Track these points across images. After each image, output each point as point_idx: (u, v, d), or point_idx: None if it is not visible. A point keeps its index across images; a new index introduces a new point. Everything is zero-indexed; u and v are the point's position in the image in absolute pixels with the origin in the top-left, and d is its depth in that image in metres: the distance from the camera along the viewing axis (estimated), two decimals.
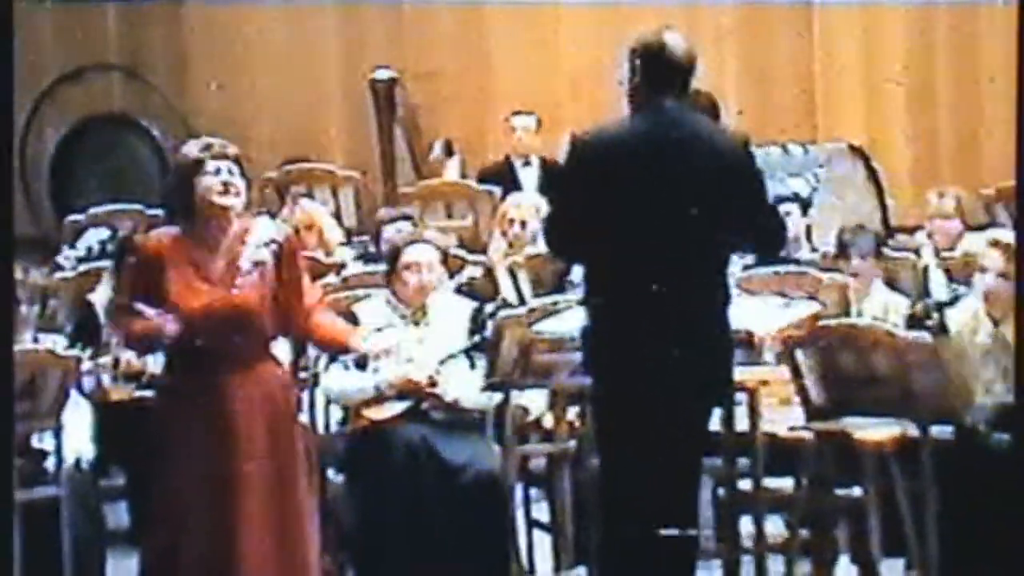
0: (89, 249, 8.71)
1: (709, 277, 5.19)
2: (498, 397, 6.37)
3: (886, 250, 7.71)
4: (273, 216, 8.26)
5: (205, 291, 5.19)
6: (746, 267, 7.48)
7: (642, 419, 5.14)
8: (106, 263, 7.56)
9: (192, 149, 5.28)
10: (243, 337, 5.19)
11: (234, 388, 5.19)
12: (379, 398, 6.38)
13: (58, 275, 7.25)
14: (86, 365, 6.39)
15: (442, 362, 6.38)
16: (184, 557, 5.18)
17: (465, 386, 6.38)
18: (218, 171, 5.21)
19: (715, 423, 5.59)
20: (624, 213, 5.12)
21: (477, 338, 6.39)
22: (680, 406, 5.15)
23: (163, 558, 5.24)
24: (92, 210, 9.43)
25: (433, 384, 6.38)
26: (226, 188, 5.21)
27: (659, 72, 5.15)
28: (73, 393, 6.26)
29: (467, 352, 6.39)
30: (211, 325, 5.17)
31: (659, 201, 5.11)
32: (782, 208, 8.27)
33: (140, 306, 5.20)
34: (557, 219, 5.33)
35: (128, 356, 6.42)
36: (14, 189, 4.85)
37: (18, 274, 6.49)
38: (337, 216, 9.43)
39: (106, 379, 6.67)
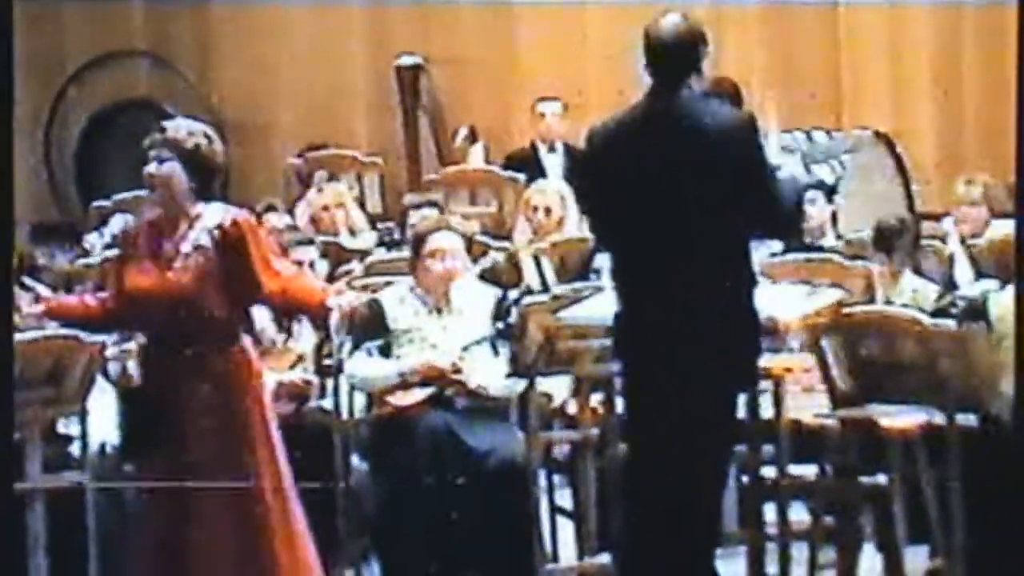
0: (114, 235, 8.73)
1: (724, 259, 5.17)
2: (522, 384, 6.37)
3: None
4: (282, 209, 8.30)
5: (152, 273, 5.27)
6: (772, 254, 7.47)
7: (666, 405, 5.15)
8: None
9: (148, 136, 5.37)
10: (181, 319, 5.24)
11: (180, 372, 5.24)
12: (403, 385, 6.38)
13: (82, 261, 7.27)
14: (111, 351, 6.39)
15: (465, 348, 6.38)
16: (143, 544, 5.25)
17: (489, 373, 6.38)
18: (146, 160, 5.29)
19: (740, 410, 5.58)
20: (633, 199, 5.14)
21: (501, 325, 6.39)
22: (703, 391, 5.15)
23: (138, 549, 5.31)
24: (117, 196, 9.45)
25: (457, 371, 6.38)
26: (149, 178, 5.30)
27: (656, 56, 5.16)
28: (99, 379, 6.27)
29: (491, 339, 6.39)
30: (150, 306, 5.26)
31: (665, 185, 5.12)
32: (806, 195, 8.30)
33: (38, 287, 5.42)
34: (581, 208, 5.37)
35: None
36: (13, 189, 4.86)
37: (42, 260, 6.51)
38: (361, 202, 9.44)
39: (131, 365, 6.67)
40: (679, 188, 5.12)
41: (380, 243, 8.47)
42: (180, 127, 5.34)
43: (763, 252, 7.48)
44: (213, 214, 5.32)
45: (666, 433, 5.19)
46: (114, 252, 5.45)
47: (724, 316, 5.16)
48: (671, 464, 5.19)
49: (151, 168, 5.27)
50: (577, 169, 5.67)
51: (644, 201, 5.14)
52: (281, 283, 5.35)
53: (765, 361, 5.69)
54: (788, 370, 5.95)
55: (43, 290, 5.40)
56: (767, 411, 5.83)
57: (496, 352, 6.41)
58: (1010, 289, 6.14)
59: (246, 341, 5.36)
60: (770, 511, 5.95)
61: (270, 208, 8.52)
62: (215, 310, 5.26)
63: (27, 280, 5.80)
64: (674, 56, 5.16)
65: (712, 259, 5.19)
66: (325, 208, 8.26)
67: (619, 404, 5.79)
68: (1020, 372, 4.68)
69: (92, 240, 8.61)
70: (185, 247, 5.25)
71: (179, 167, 5.26)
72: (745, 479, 5.97)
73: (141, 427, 5.36)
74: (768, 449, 5.87)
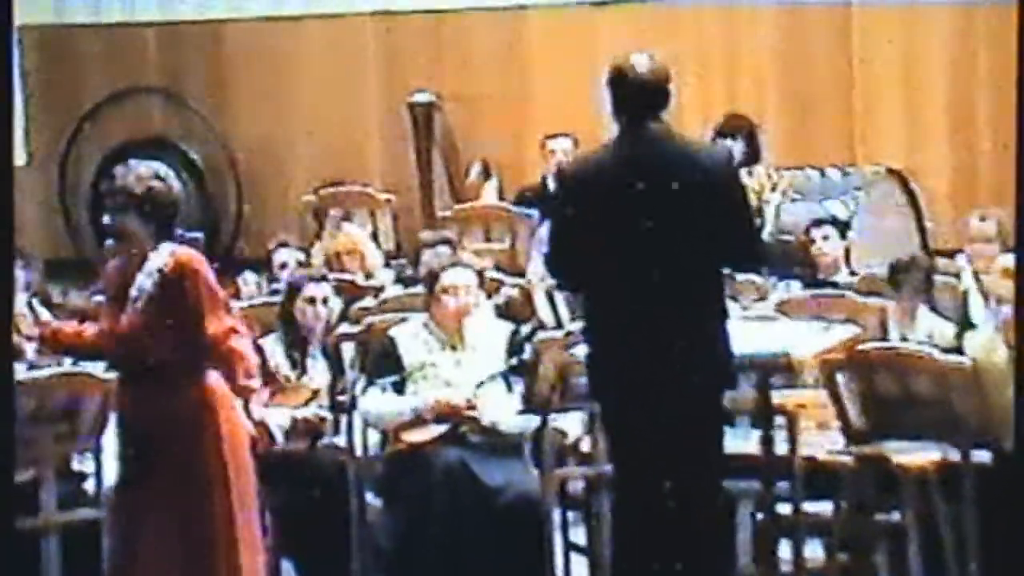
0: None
1: (702, 295, 5.19)
2: (536, 420, 6.37)
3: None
4: (294, 245, 8.30)
5: (114, 316, 5.36)
6: (784, 289, 7.47)
7: (647, 441, 5.15)
8: None
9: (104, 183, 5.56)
10: (134, 358, 5.33)
11: (143, 407, 5.35)
12: (417, 421, 6.39)
13: (97, 298, 7.27)
14: None
15: (479, 385, 6.38)
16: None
17: (502, 409, 6.39)
18: (104, 209, 5.40)
19: (753, 446, 5.58)
20: (605, 237, 5.16)
21: (514, 361, 6.40)
22: (683, 425, 5.16)
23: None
24: None
25: (471, 407, 6.38)
26: (108, 228, 5.41)
27: (625, 96, 5.22)
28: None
29: (504, 375, 6.39)
30: (109, 348, 5.37)
31: (644, 223, 5.13)
32: (820, 231, 8.31)
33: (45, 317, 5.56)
34: (551, 248, 5.38)
35: None
36: (13, 189, 4.89)
37: (56, 297, 6.53)
38: (375, 238, 9.45)
39: None
40: (658, 225, 5.14)
41: (396, 280, 8.48)
42: (129, 172, 5.37)
43: (780, 290, 7.49)
44: (158, 257, 5.36)
45: (650, 468, 5.19)
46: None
47: (700, 351, 5.17)
48: (660, 499, 5.18)
49: (106, 219, 5.39)
50: (550, 207, 5.66)
51: (619, 237, 5.15)
52: (223, 330, 5.35)
53: (779, 397, 5.70)
54: (802, 406, 5.94)
55: (44, 313, 5.44)
56: (781, 447, 5.82)
57: (510, 388, 6.42)
58: (984, 327, 6.16)
59: (210, 379, 5.35)
60: (785, 548, 5.94)
61: (282, 245, 8.54)
62: (164, 352, 5.32)
63: (34, 303, 5.81)
64: (649, 93, 5.21)
65: (693, 294, 5.20)
66: (338, 255, 8.28)
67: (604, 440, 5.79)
68: (1020, 376, 4.66)
69: None
70: (133, 291, 5.31)
71: (133, 215, 5.31)
72: (759, 516, 5.96)
73: (122, 460, 5.48)
74: (782, 486, 5.86)
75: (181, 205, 5.45)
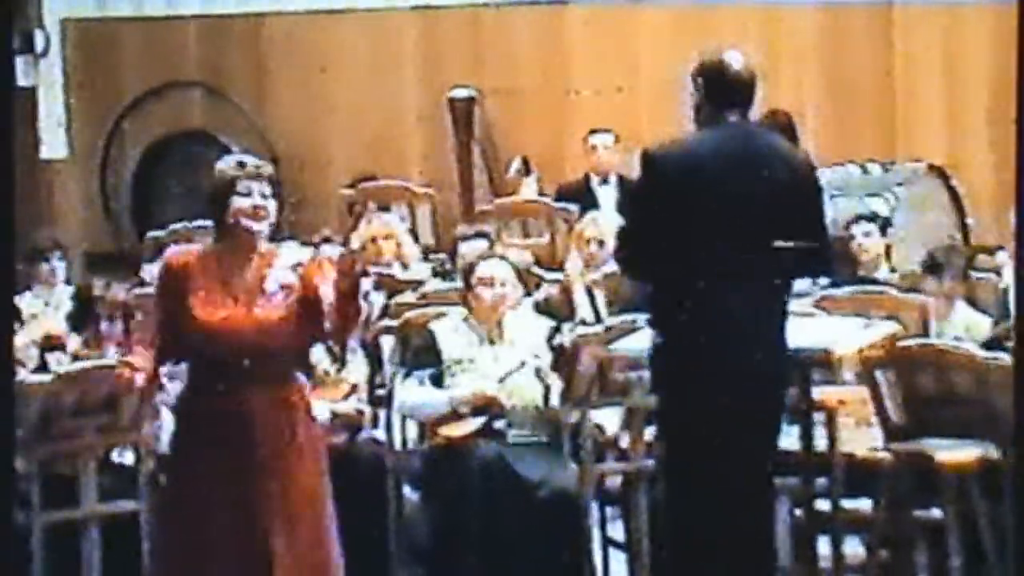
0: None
1: (773, 295, 5.22)
2: (575, 415, 6.38)
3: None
4: (337, 241, 8.30)
5: (229, 307, 5.19)
6: (825, 287, 7.46)
7: (708, 437, 5.16)
8: None
9: (226, 166, 5.26)
10: (263, 355, 5.19)
11: (255, 405, 5.17)
12: (454, 415, 6.40)
13: (137, 291, 7.30)
14: (166, 378, 6.43)
15: (501, 380, 6.37)
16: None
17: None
18: (249, 192, 5.19)
19: (793, 442, 5.58)
20: (687, 228, 5.16)
21: (549, 355, 6.40)
22: (748, 424, 5.17)
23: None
24: (172, 226, 9.51)
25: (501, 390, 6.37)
26: (255, 212, 5.19)
27: (722, 90, 5.24)
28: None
29: (536, 368, 6.39)
30: (232, 341, 5.17)
31: (726, 217, 5.15)
32: (861, 228, 8.29)
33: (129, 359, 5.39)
34: (628, 234, 5.37)
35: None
36: (14, 198, 4.89)
37: (98, 290, 6.55)
38: (414, 233, 9.46)
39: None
40: (744, 219, 5.16)
41: (434, 274, 8.49)
42: (264, 163, 5.31)
43: (816, 286, 7.47)
44: (291, 253, 5.31)
45: (708, 464, 5.20)
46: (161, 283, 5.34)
47: (770, 348, 5.19)
48: (716, 498, 5.19)
49: (259, 201, 5.19)
50: (633, 193, 5.67)
51: (708, 230, 5.16)
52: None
53: (819, 394, 5.70)
54: (842, 403, 5.93)
55: (139, 361, 5.32)
56: (821, 444, 5.82)
57: (541, 381, 6.42)
58: None
59: (301, 377, 5.37)
60: (824, 545, 5.93)
61: (326, 240, 8.56)
62: (292, 348, 5.26)
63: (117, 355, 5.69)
64: (746, 89, 5.25)
65: (764, 292, 5.23)
66: (373, 239, 8.27)
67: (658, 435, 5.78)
68: (1019, 374, 4.70)
69: (151, 270, 8.66)
70: (270, 285, 5.22)
71: (274, 200, 5.24)
72: (798, 512, 5.95)
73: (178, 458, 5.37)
74: (822, 482, 5.85)
75: None
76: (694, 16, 10.25)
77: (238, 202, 5.19)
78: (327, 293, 5.19)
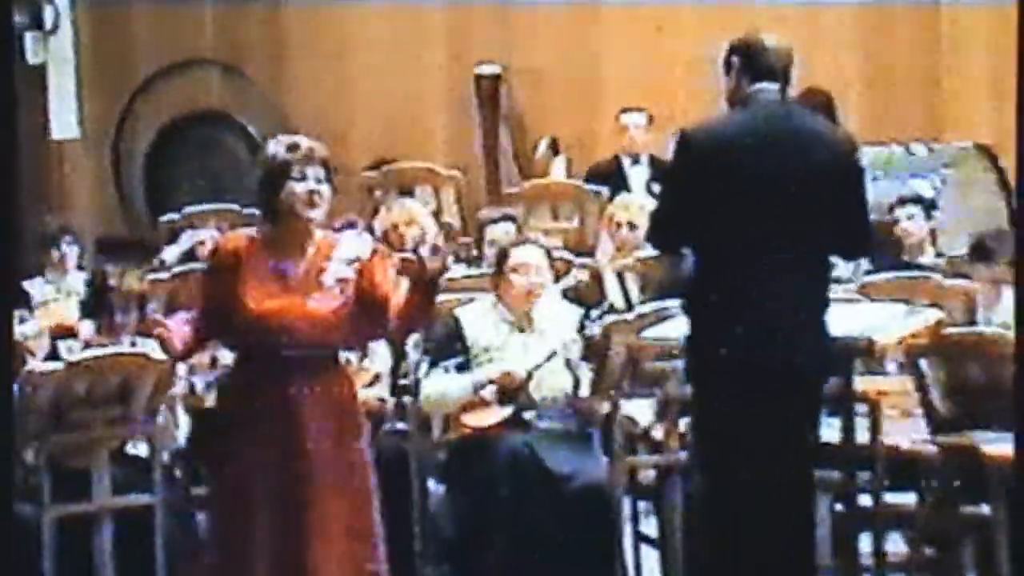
0: (185, 252, 8.80)
1: (813, 279, 5.21)
2: (606, 406, 6.37)
3: None
4: (361, 225, 8.30)
5: (282, 297, 5.17)
6: (867, 272, 7.43)
7: (746, 428, 5.15)
8: (201, 266, 7.63)
9: (279, 149, 5.21)
10: (315, 346, 5.18)
11: (302, 394, 5.17)
12: (479, 403, 6.38)
13: (150, 277, 7.31)
14: (181, 369, 6.44)
15: (537, 368, 6.36)
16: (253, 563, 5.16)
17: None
18: (303, 177, 5.16)
19: (833, 434, 5.56)
20: (725, 209, 5.15)
21: (578, 342, 6.39)
22: (785, 414, 5.15)
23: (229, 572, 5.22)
24: (187, 210, 9.52)
25: (529, 379, 6.36)
26: (310, 198, 5.16)
27: (759, 67, 5.24)
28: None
29: (566, 358, 6.38)
30: (284, 331, 5.15)
31: (764, 199, 5.15)
32: (905, 211, 8.25)
33: (158, 317, 5.26)
34: (662, 215, 5.37)
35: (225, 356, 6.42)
36: (15, 196, 4.89)
37: (112, 280, 6.55)
38: (438, 217, 9.45)
39: (199, 384, 6.72)
40: (782, 201, 5.14)
41: (458, 259, 8.48)
42: (322, 146, 5.27)
43: (859, 271, 7.45)
44: (350, 245, 5.29)
45: (745, 457, 5.19)
46: (196, 267, 5.32)
47: (810, 336, 5.17)
48: (755, 493, 5.18)
49: (314, 186, 5.16)
50: (668, 173, 5.66)
51: (745, 212, 5.15)
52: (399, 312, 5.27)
53: (861, 384, 5.67)
54: (884, 393, 5.91)
55: (170, 324, 5.28)
56: (863, 436, 5.79)
57: (571, 371, 6.40)
58: None
59: (348, 369, 5.39)
60: (865, 541, 5.91)
61: (350, 224, 8.54)
62: (345, 343, 5.28)
63: (150, 311, 5.66)
64: (783, 66, 5.26)
65: (805, 277, 5.21)
66: (395, 226, 8.27)
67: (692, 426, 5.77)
68: (1020, 371, 4.69)
69: (168, 255, 8.67)
70: (327, 279, 5.20)
71: (328, 184, 5.20)
72: (839, 507, 5.94)
73: (217, 447, 5.35)
74: (864, 476, 5.83)
75: None
76: None
77: (292, 187, 5.17)
78: (390, 289, 5.17)
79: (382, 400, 6.69)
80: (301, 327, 5.15)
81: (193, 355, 5.67)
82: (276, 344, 5.15)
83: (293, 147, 5.21)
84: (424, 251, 5.19)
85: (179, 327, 5.26)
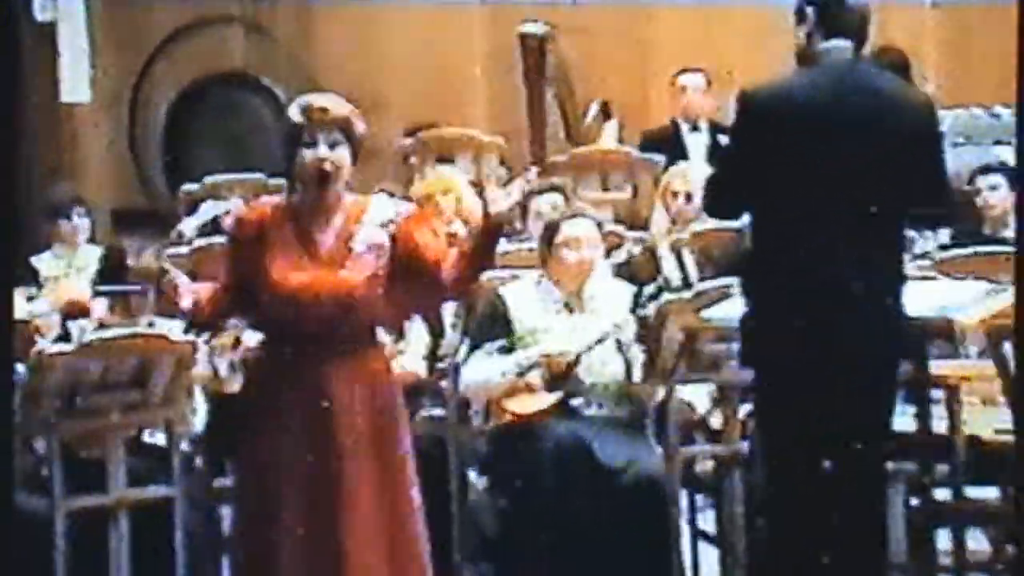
0: (205, 224, 8.82)
1: (885, 254, 5.20)
2: (661, 392, 6.38)
3: None
4: (392, 195, 8.32)
5: (309, 269, 5.19)
6: (943, 247, 7.42)
7: (811, 415, 5.15)
8: (223, 239, 7.65)
9: (293, 112, 5.23)
10: (349, 321, 5.18)
11: (335, 374, 5.19)
12: (523, 388, 6.39)
13: (170, 251, 7.34)
14: (202, 351, 6.47)
15: (584, 351, 6.37)
16: (282, 560, 5.19)
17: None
18: (314, 143, 5.17)
19: (908, 423, 5.55)
20: (795, 177, 5.15)
21: (631, 323, 6.40)
22: (854, 400, 5.15)
23: (258, 562, 5.25)
24: (209, 179, 9.55)
25: (577, 362, 6.37)
26: (320, 165, 5.16)
27: (833, 22, 5.23)
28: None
29: (617, 339, 6.39)
30: (314, 305, 5.16)
31: (833, 166, 5.14)
32: (987, 180, 8.23)
33: (172, 270, 5.26)
34: (720, 182, 5.37)
35: (249, 336, 6.44)
36: (14, 191, 4.91)
37: (130, 260, 6.58)
38: (479, 187, 9.46)
39: (222, 367, 6.75)
40: (853, 168, 5.14)
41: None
42: (342, 105, 5.25)
43: (932, 245, 7.44)
44: (382, 208, 5.29)
45: (810, 447, 5.19)
46: (217, 241, 5.32)
47: (881, 314, 5.17)
48: (821, 486, 5.19)
49: (323, 153, 5.16)
50: (728, 137, 5.67)
51: (812, 181, 5.15)
52: (447, 271, 5.24)
53: (938, 368, 5.66)
54: (965, 379, 5.90)
55: (183, 280, 5.29)
56: (940, 425, 5.79)
57: (623, 354, 6.41)
58: None
59: (387, 348, 5.39)
60: (943, 538, 5.91)
61: (385, 194, 8.56)
62: (384, 313, 5.24)
63: (166, 264, 5.63)
64: (859, 22, 5.26)
65: (877, 252, 5.21)
66: (430, 196, 8.29)
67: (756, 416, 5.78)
68: (1020, 370, 4.68)
69: (186, 227, 8.70)
70: (357, 245, 5.22)
71: (347, 151, 5.20)
72: (915, 502, 5.94)
73: (242, 436, 5.37)
74: (941, 468, 5.83)
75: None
76: None
77: (302, 154, 5.19)
78: (437, 250, 5.16)
79: (418, 377, 6.69)
80: (331, 302, 5.16)
81: (207, 323, 5.68)
82: (304, 321, 5.16)
83: (304, 109, 5.22)
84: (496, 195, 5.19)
85: (190, 283, 5.27)
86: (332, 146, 5.18)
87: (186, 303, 5.25)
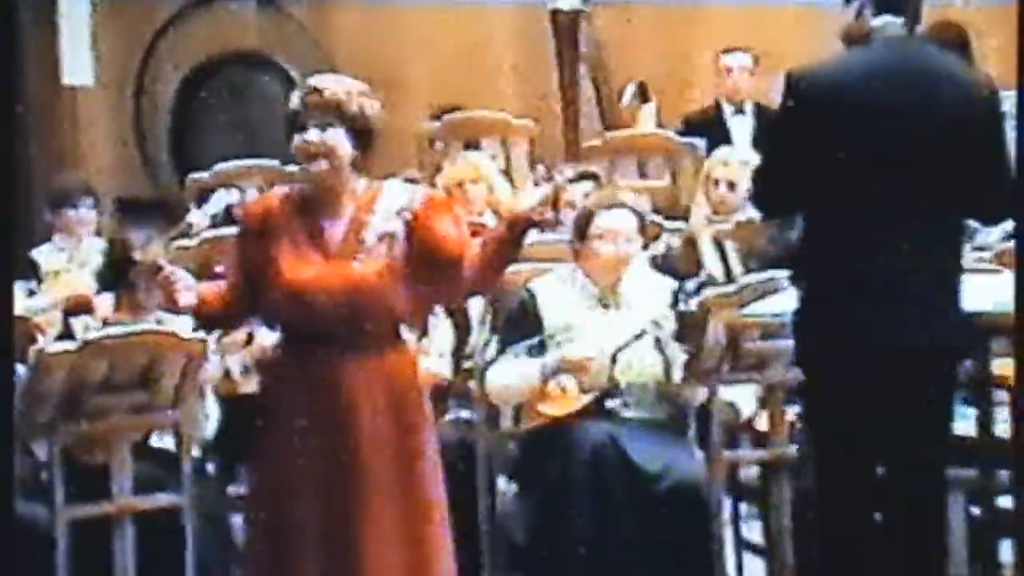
0: (216, 215, 8.83)
1: (944, 246, 5.20)
2: (702, 392, 6.39)
3: None
4: (415, 181, 8.33)
5: (319, 263, 5.20)
6: (1007, 237, 7.40)
7: (865, 418, 5.15)
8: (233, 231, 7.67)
9: (294, 96, 5.29)
10: (363, 317, 5.19)
11: (351, 375, 5.20)
12: (556, 391, 6.40)
13: (177, 244, 7.36)
14: (213, 349, 6.49)
15: (619, 350, 6.37)
16: (296, 573, 5.21)
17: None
18: (304, 128, 5.20)
19: (968, 427, 5.55)
20: (845, 166, 5.14)
21: (670, 320, 6.40)
22: (911, 403, 5.15)
23: (271, 574, 5.28)
24: (218, 167, 9.56)
25: (614, 362, 6.37)
26: (306, 149, 5.19)
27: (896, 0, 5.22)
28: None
29: (656, 336, 6.40)
30: (325, 301, 5.17)
31: (887, 152, 5.14)
32: None
33: (167, 266, 5.26)
34: (768, 172, 5.37)
35: (264, 335, 6.46)
36: (14, 191, 4.93)
37: (137, 254, 6.58)
38: (508, 174, 9.48)
39: (235, 367, 6.77)
40: (909, 154, 5.13)
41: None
42: (339, 85, 5.28)
43: (995, 235, 7.42)
44: (395, 194, 5.29)
45: (868, 455, 5.19)
46: (228, 232, 5.31)
47: (940, 311, 5.17)
48: (876, 494, 5.19)
49: (312, 136, 5.19)
50: (775, 123, 5.67)
51: (865, 167, 5.15)
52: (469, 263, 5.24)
53: (1001, 367, 5.66)
54: None
55: (186, 277, 5.30)
56: (1003, 428, 5.78)
57: (662, 352, 6.42)
58: None
59: (411, 344, 5.38)
60: (1006, 551, 5.90)
61: (411, 182, 8.57)
62: (401, 307, 5.24)
63: (161, 260, 5.63)
64: (919, 4, 5.24)
65: (935, 244, 5.21)
66: (459, 184, 8.30)
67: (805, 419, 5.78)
68: (1020, 370, 4.66)
69: (196, 218, 8.71)
70: (368, 235, 5.23)
71: (344, 134, 5.22)
72: (975, 511, 5.93)
73: (255, 440, 5.38)
74: (1004, 474, 5.82)
75: (380, 135, 5.31)
76: None
77: (296, 139, 5.23)
78: (458, 238, 5.17)
79: (438, 376, 6.71)
80: (342, 296, 5.17)
81: (217, 323, 5.69)
82: (315, 318, 5.17)
83: (305, 91, 5.26)
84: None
85: (190, 279, 5.27)
86: (323, 128, 5.21)
87: (186, 300, 5.25)
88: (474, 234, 5.33)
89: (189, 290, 5.25)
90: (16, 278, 7.54)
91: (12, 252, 5.14)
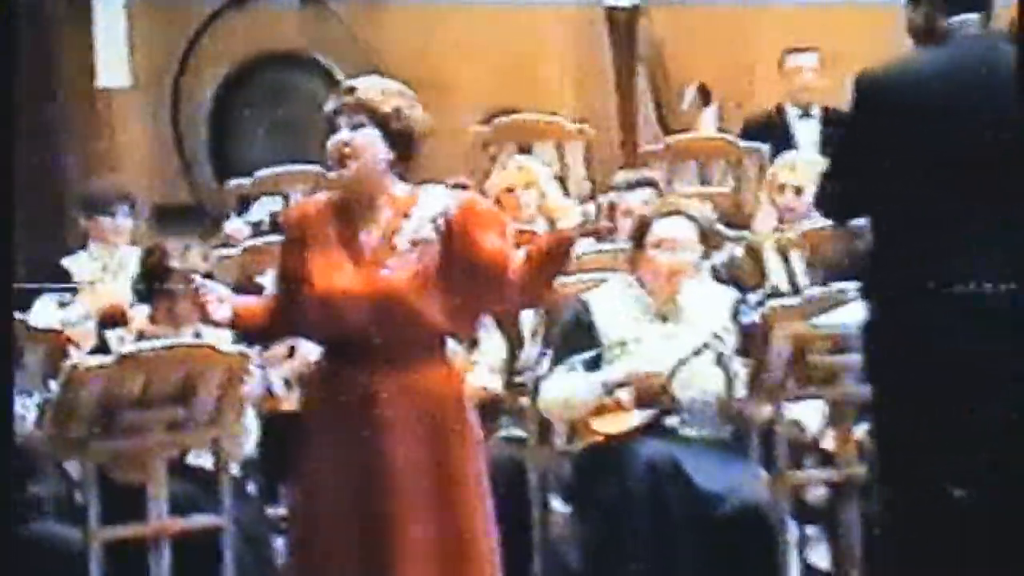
0: (258, 223, 8.86)
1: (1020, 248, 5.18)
2: (766, 409, 6.37)
3: None
4: (465, 187, 8.35)
5: (350, 270, 5.20)
6: None
7: (940, 436, 5.13)
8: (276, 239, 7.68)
9: (331, 97, 5.31)
10: (398, 327, 5.18)
11: (387, 388, 5.19)
12: (612, 405, 6.40)
13: (218, 252, 7.38)
14: (255, 364, 6.51)
15: (679, 364, 6.37)
16: None
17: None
18: (335, 130, 5.21)
19: None
20: (918, 171, 5.13)
21: (699, 344, 6.39)
22: (992, 421, 5.13)
23: None
24: (260, 173, 9.60)
25: (671, 377, 6.37)
26: (337, 152, 5.19)
27: None
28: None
29: (717, 350, 6.39)
30: (356, 310, 5.16)
31: (964, 156, 5.12)
32: None
33: (200, 280, 5.28)
34: (836, 177, 5.35)
35: (308, 349, 6.46)
36: (13, 191, 4.95)
37: (175, 262, 6.58)
38: (562, 179, 9.48)
39: (276, 382, 6.79)
40: (985, 158, 5.11)
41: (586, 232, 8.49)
42: (373, 86, 5.28)
43: None
44: (433, 200, 5.29)
45: (944, 475, 5.17)
46: (271, 241, 5.31)
47: (1020, 323, 5.15)
48: (953, 517, 5.16)
49: (343, 137, 5.19)
50: (843, 126, 5.66)
51: (939, 173, 5.13)
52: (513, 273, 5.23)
53: None
54: None
55: (222, 291, 5.32)
56: None
57: (724, 367, 6.41)
58: None
59: (454, 358, 5.37)
60: None
61: (461, 187, 8.58)
62: (437, 318, 5.23)
63: (197, 277, 5.64)
64: None
65: (1014, 252, 5.18)
66: (510, 189, 8.31)
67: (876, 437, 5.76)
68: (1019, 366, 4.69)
69: (235, 226, 8.73)
70: (401, 242, 5.26)
71: (378, 136, 5.22)
72: None
73: (293, 457, 5.40)
74: None
75: (423, 139, 5.30)
76: None
77: (328, 142, 5.25)
78: (501, 247, 5.16)
79: (488, 390, 6.71)
80: (372, 305, 5.16)
81: (258, 338, 5.71)
82: (349, 328, 5.17)
83: (338, 95, 5.28)
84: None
85: (224, 291, 5.28)
86: (355, 128, 5.22)
87: (222, 314, 5.27)
88: (524, 242, 5.31)
89: (223, 303, 5.26)
90: (47, 288, 7.60)
91: (12, 252, 5.17)
